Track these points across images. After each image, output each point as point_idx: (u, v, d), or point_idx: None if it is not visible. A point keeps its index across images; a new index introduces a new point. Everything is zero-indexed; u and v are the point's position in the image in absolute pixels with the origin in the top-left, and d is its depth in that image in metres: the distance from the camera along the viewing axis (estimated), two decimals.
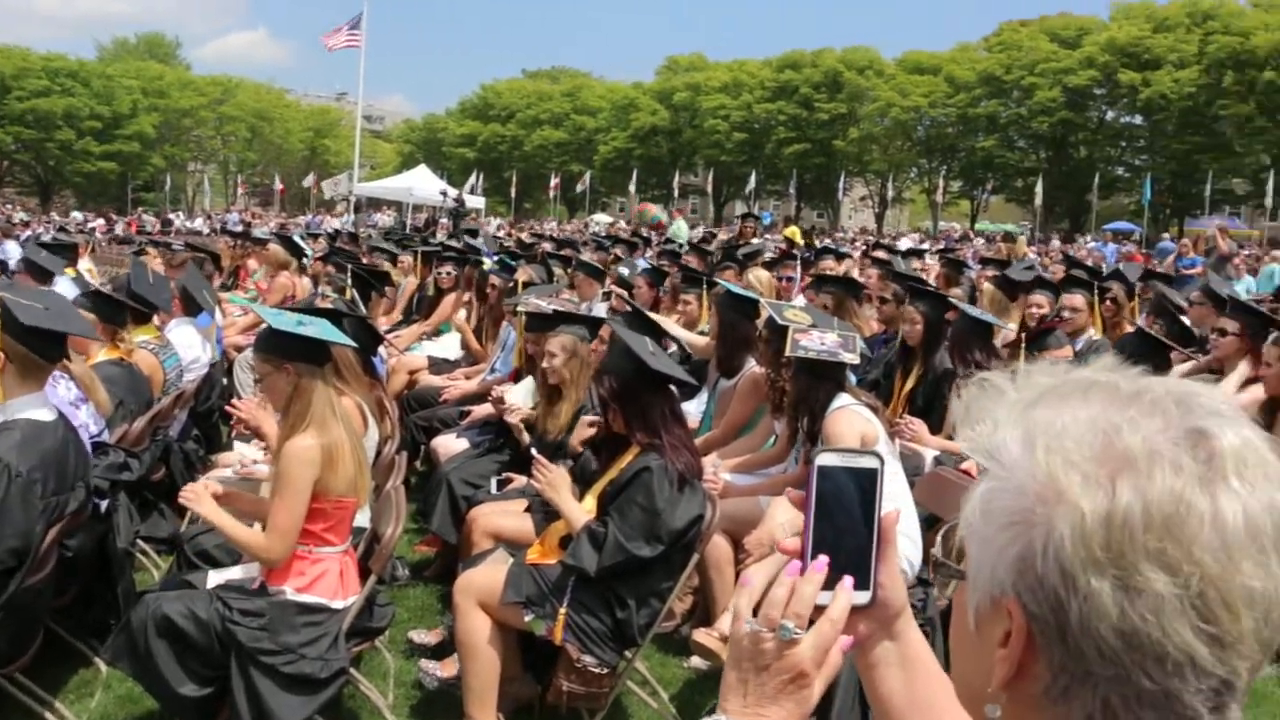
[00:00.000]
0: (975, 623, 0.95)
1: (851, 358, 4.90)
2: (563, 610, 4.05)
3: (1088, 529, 0.83)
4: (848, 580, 1.10)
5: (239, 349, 8.64)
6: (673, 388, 4.37)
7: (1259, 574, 0.83)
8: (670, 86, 68.29)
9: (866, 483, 1.12)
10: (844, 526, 1.12)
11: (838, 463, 1.12)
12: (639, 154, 65.93)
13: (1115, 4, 58.22)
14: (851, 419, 4.71)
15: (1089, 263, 16.09)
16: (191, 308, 7.25)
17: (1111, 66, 53.79)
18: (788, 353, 4.86)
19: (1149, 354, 5.80)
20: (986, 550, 0.91)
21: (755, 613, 1.11)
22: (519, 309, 6.56)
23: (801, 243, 17.60)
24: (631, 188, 58.83)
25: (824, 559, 1.10)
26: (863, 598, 1.12)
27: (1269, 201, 44.30)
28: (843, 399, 4.79)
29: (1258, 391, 5.89)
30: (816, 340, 4.87)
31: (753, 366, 6.07)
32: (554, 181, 55.82)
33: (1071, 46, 56.16)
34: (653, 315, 7.11)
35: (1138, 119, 56.86)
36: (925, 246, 24.52)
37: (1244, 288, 15.10)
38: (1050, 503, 0.86)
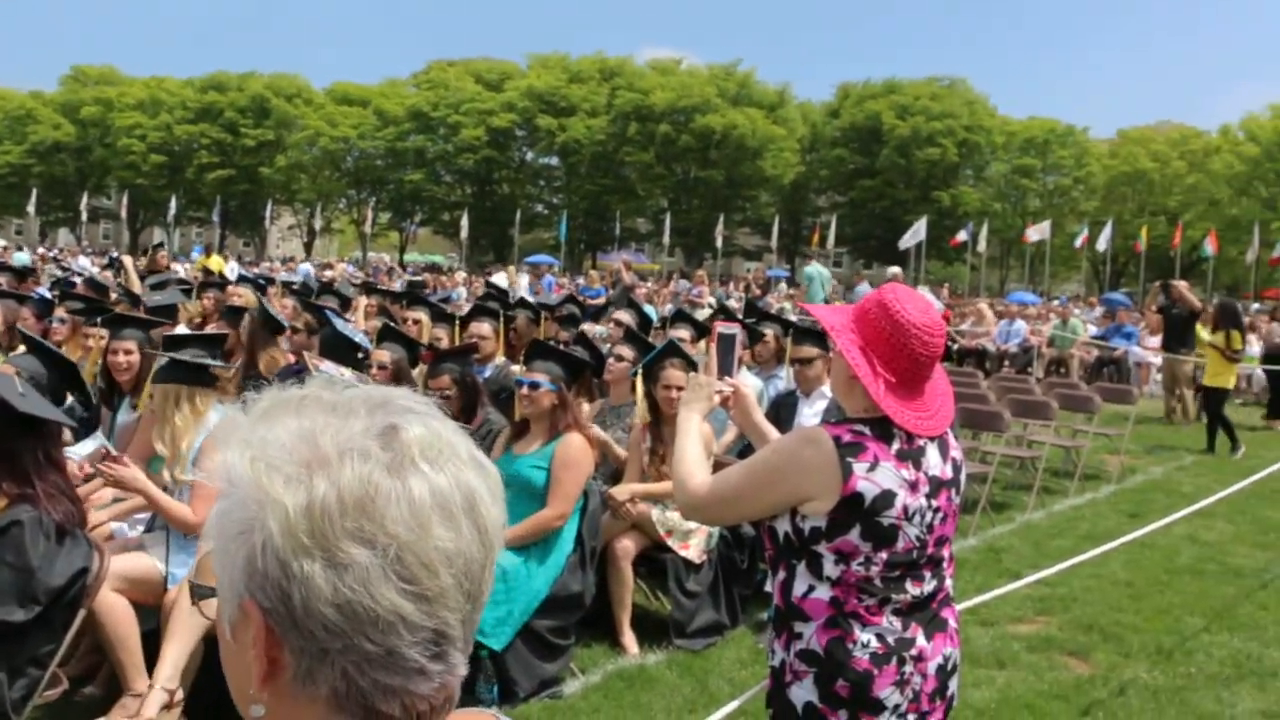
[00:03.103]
0: (231, 632, 1.00)
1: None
2: None
3: (292, 521, 0.93)
4: None
5: None
6: (51, 429, 3.97)
7: (450, 536, 0.96)
8: (77, 99, 62.74)
9: None
10: None
11: None
12: (39, 171, 60.13)
13: (531, 54, 62.57)
14: None
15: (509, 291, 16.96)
16: None
17: (531, 111, 57.67)
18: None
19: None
20: (225, 562, 0.98)
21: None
22: None
23: (220, 272, 16.91)
24: (31, 209, 53.14)
25: None
26: None
27: (667, 239, 50.25)
28: None
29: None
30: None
31: None
32: None
33: (495, 89, 59.38)
34: None
35: (555, 160, 61.33)
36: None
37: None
38: (263, 505, 0.94)
